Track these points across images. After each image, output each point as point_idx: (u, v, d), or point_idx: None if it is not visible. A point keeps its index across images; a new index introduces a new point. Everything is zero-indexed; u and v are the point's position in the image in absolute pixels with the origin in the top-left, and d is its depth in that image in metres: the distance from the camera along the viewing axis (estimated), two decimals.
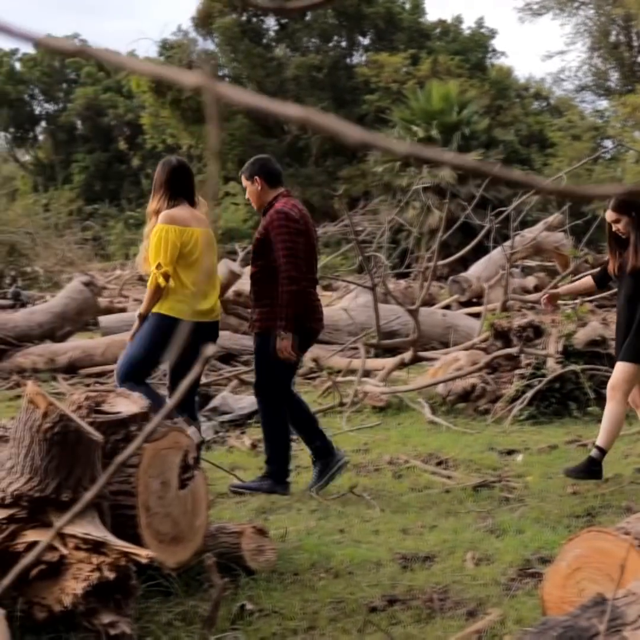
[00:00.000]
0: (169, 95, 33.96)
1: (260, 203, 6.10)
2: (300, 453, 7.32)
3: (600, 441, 6.13)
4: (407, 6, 39.69)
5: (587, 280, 6.87)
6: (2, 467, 3.63)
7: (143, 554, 3.26)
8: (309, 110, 0.63)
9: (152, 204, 5.95)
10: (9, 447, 3.58)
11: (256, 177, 6.05)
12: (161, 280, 5.75)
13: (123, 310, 15.21)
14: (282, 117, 0.63)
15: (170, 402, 0.73)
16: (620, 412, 6.13)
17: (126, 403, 3.97)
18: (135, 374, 5.90)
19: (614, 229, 6.31)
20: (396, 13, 38.43)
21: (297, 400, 6.27)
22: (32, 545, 3.37)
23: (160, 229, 5.78)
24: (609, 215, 6.30)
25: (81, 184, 45.40)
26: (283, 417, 6.15)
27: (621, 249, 6.28)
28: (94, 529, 3.32)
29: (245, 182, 6.15)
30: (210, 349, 0.76)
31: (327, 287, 24.42)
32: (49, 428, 3.32)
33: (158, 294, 5.81)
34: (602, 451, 6.10)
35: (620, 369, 6.12)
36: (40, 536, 3.37)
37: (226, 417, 8.31)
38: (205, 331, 5.87)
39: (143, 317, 5.91)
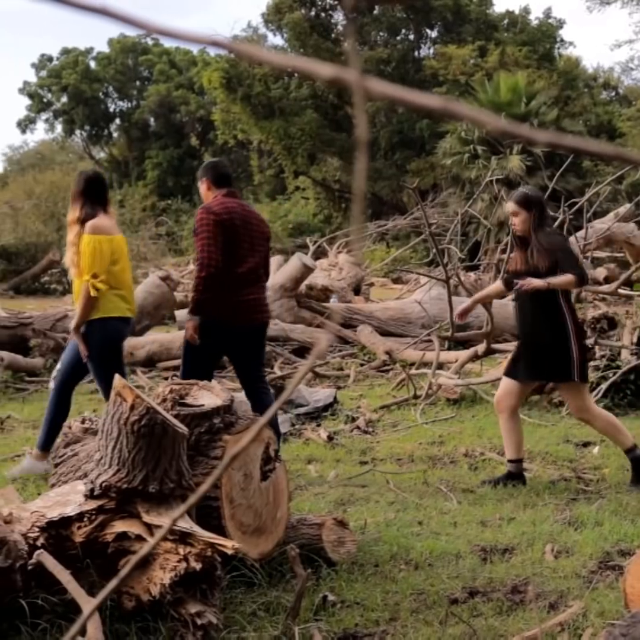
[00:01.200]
0: (239, 92, 34.15)
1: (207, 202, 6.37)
2: (376, 445, 7.35)
3: (623, 447, 6.10)
4: None
5: (497, 286, 6.62)
6: (91, 459, 3.71)
7: (229, 545, 3.31)
8: (447, 100, 0.66)
9: (72, 214, 6.19)
10: (98, 439, 3.66)
11: (203, 178, 6.35)
12: (95, 288, 5.98)
13: None
14: (422, 107, 0.65)
15: (283, 395, 0.74)
16: (608, 419, 6.07)
17: (209, 396, 4.03)
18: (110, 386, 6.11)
19: (510, 222, 6.15)
20: (464, 5, 38.20)
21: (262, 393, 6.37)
22: (120, 535, 3.45)
23: (93, 240, 6.02)
24: (510, 207, 6.11)
25: (154, 180, 45.99)
26: None
27: (523, 248, 6.11)
28: (181, 520, 3.38)
29: (199, 183, 6.47)
30: (323, 342, 0.79)
31: (397, 280, 24.40)
32: (136, 421, 3.39)
33: (91, 303, 6.02)
34: (632, 450, 6.07)
35: (569, 393, 6.04)
36: (128, 527, 3.45)
37: (302, 410, 8.35)
38: (128, 327, 6.33)
39: (79, 329, 6.07)
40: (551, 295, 5.93)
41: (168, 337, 11.75)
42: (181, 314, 13.02)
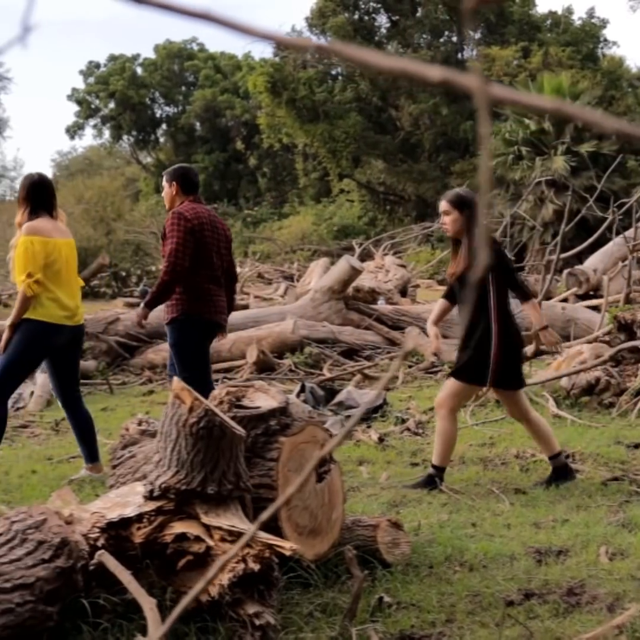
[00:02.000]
0: (284, 95, 34.22)
1: (170, 205, 6.69)
2: (427, 447, 7.34)
3: (435, 459, 6.08)
4: None
5: (441, 304, 6.41)
6: (149, 461, 3.76)
7: (287, 547, 3.33)
8: (560, 101, 0.67)
9: (18, 217, 6.26)
10: (156, 441, 3.70)
11: (173, 182, 6.65)
12: (35, 288, 6.04)
13: (246, 307, 15.44)
14: (537, 108, 0.67)
15: (370, 397, 0.75)
16: (451, 431, 6.04)
17: (265, 398, 4.06)
18: (9, 381, 6.22)
19: (441, 221, 6.07)
20: (506, 6, 37.97)
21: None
22: (179, 536, 3.48)
23: (25, 241, 6.07)
24: (442, 206, 6.03)
25: (201, 184, 46.21)
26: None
27: (455, 251, 6.07)
28: (239, 522, 3.41)
29: (165, 183, 6.74)
30: (409, 344, 0.80)
31: (442, 282, 24.34)
32: (195, 423, 3.43)
33: (28, 302, 6.07)
34: (439, 469, 6.05)
35: (448, 385, 6.03)
36: (186, 528, 3.48)
37: (352, 411, 8.37)
38: (73, 334, 6.31)
39: (14, 327, 6.13)
40: (483, 299, 5.87)
41: None
42: (230, 316, 13.07)
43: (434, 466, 6.06)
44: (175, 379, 3.57)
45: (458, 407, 6.09)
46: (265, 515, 0.95)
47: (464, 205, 5.92)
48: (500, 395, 6.10)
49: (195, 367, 6.50)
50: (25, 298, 6.05)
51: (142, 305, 6.54)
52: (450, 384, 6.01)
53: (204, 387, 6.41)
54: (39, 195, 6.24)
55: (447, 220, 5.96)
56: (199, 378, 6.38)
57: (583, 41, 38.15)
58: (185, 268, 6.32)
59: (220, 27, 0.74)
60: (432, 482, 5.99)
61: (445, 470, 6.09)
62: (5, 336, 6.14)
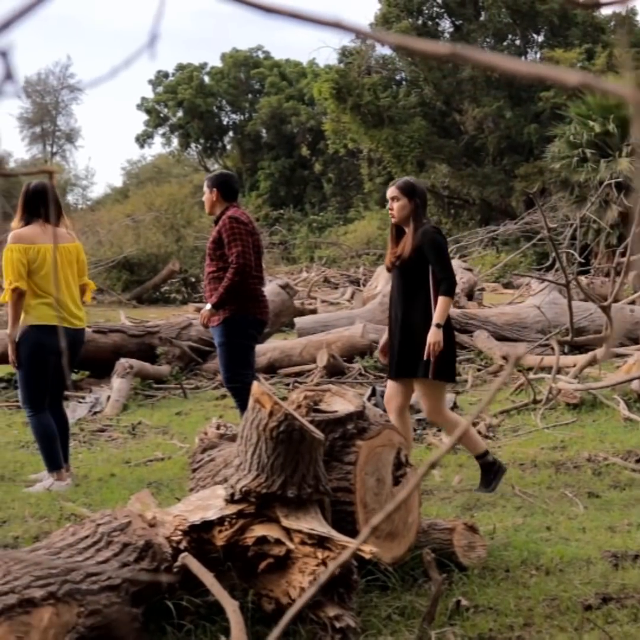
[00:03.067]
0: (349, 101, 34.29)
1: (211, 210, 6.89)
2: (498, 450, 7.33)
3: (475, 453, 6.04)
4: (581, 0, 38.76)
5: None
6: (229, 464, 3.83)
7: (366, 550, 3.36)
8: None
9: (13, 223, 6.41)
10: (237, 445, 3.76)
11: (214, 189, 6.82)
12: (8, 296, 6.15)
13: (314, 311, 15.52)
14: None
15: (480, 406, 0.79)
16: (456, 421, 5.94)
17: (342, 402, 4.10)
18: (35, 391, 6.28)
19: (388, 206, 6.03)
20: (570, 8, 37.60)
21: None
22: (259, 539, 3.54)
23: (7, 249, 6.20)
24: (391, 192, 6.01)
25: (267, 190, 46.52)
26: None
27: (399, 240, 5.99)
28: (318, 525, 3.46)
29: (205, 188, 6.91)
30: (520, 349, 0.84)
31: (507, 285, 24.14)
32: (275, 427, 3.48)
33: (15, 310, 6.18)
34: (483, 456, 6.00)
35: (424, 391, 5.87)
36: (267, 531, 3.54)
37: (422, 415, 8.37)
38: (71, 337, 6.36)
39: (11, 337, 6.22)
40: (421, 291, 5.81)
41: (288, 344, 11.90)
42: (300, 321, 13.19)
43: (476, 457, 6.06)
44: (255, 383, 3.63)
45: (444, 404, 6.06)
46: (375, 520, 0.99)
47: (413, 193, 5.97)
48: (428, 388, 5.95)
49: (243, 365, 6.70)
50: (11, 306, 6.20)
51: (209, 306, 6.69)
52: (433, 390, 5.91)
53: (250, 384, 6.60)
54: (32, 203, 6.36)
55: (395, 206, 5.98)
56: (248, 375, 6.57)
57: None
58: (252, 268, 6.59)
59: (349, 34, 0.78)
60: (489, 467, 5.99)
61: (487, 452, 6.08)
62: (10, 349, 6.26)
